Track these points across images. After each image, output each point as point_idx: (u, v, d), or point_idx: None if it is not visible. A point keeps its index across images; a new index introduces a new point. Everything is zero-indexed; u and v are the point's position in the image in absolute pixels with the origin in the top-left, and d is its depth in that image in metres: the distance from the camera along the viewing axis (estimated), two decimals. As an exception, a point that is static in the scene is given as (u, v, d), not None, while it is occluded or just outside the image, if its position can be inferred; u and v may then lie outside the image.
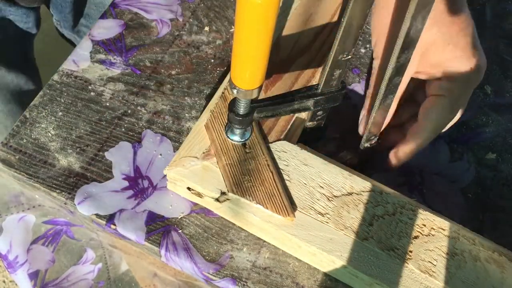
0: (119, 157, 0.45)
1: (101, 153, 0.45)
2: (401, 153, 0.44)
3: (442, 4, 0.40)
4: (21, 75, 0.67)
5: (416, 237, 0.39)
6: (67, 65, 0.49)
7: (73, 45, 0.77)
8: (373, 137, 0.44)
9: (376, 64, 0.42)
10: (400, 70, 0.38)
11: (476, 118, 0.51)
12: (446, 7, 0.40)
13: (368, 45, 0.53)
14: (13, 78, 0.66)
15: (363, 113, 0.45)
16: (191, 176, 0.40)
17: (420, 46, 0.40)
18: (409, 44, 0.36)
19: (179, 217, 0.42)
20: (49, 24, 0.75)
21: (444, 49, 0.40)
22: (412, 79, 0.42)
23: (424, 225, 0.40)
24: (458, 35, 0.40)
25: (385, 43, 0.41)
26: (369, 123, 0.43)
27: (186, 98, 0.48)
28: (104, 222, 0.42)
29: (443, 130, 0.44)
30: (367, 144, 0.45)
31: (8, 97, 0.67)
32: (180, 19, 0.53)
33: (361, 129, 0.45)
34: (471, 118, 0.51)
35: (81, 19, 0.71)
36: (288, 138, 0.43)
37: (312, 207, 0.39)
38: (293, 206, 0.39)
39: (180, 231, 0.42)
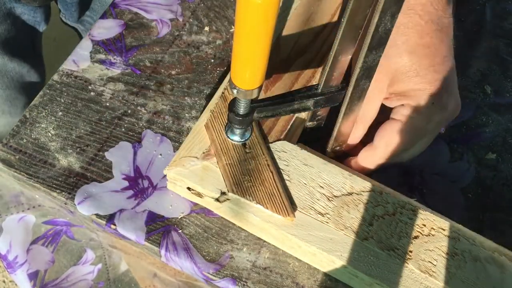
0: (119, 157, 0.45)
1: (101, 153, 0.45)
2: (353, 164, 0.44)
3: (417, 37, 0.39)
4: (24, 64, 0.68)
5: (416, 237, 0.39)
6: (67, 65, 0.49)
7: (77, 31, 0.78)
8: (338, 147, 0.45)
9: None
10: (368, 73, 0.37)
11: (476, 118, 0.51)
12: (422, 41, 0.39)
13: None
14: (15, 66, 0.67)
15: None
16: (191, 176, 0.40)
17: (389, 72, 0.39)
18: (378, 43, 0.35)
19: (179, 217, 0.42)
20: (56, 12, 0.75)
21: (410, 79, 0.40)
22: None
23: (424, 225, 0.40)
24: (427, 69, 0.40)
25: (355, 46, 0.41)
26: (335, 131, 0.43)
27: (186, 98, 0.48)
28: (104, 222, 0.42)
29: (399, 159, 0.44)
30: (330, 151, 0.45)
31: (7, 83, 0.67)
32: (180, 19, 0.53)
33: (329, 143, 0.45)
34: (471, 118, 0.51)
35: (86, 11, 0.72)
36: (288, 138, 0.43)
37: (312, 207, 0.39)
38: (293, 206, 0.39)
39: (180, 231, 0.42)
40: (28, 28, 0.67)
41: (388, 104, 0.43)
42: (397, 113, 0.41)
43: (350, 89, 0.39)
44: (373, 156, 0.43)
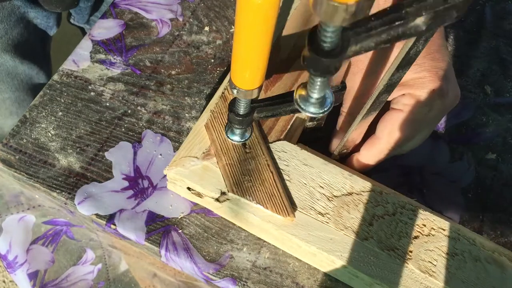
0: (119, 157, 0.45)
1: (101, 153, 0.45)
2: (355, 162, 0.44)
3: None
4: (33, 66, 0.69)
5: (416, 237, 0.39)
6: (67, 65, 0.49)
7: (83, 31, 0.79)
8: (344, 150, 0.45)
9: (357, 79, 0.42)
10: (390, 88, 0.37)
11: (476, 118, 0.51)
12: None
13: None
14: (25, 69, 0.68)
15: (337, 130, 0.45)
16: (191, 176, 0.40)
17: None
18: (407, 63, 0.35)
19: (179, 217, 0.42)
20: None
21: (410, 69, 0.40)
22: None
23: (424, 225, 0.40)
24: (424, 57, 0.40)
25: (372, 59, 0.41)
26: (346, 137, 0.42)
27: (186, 98, 0.48)
28: (104, 222, 0.42)
29: (401, 150, 0.43)
30: (337, 155, 0.45)
31: (17, 85, 0.68)
32: (180, 19, 0.53)
33: (334, 145, 0.45)
34: (471, 118, 0.51)
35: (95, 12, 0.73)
36: (288, 138, 0.43)
37: (312, 207, 0.39)
38: (293, 206, 0.39)
39: (180, 231, 0.42)
40: (39, 32, 0.68)
41: (389, 98, 0.43)
42: (398, 103, 0.41)
43: (370, 102, 0.38)
44: (376, 147, 0.42)
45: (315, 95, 0.29)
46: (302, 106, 0.31)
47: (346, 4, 0.21)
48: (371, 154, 0.43)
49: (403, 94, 0.41)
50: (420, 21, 0.28)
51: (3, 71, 0.65)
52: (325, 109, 0.31)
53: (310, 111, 0.31)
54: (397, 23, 0.27)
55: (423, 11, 0.27)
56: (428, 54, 0.40)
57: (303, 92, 0.31)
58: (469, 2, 0.29)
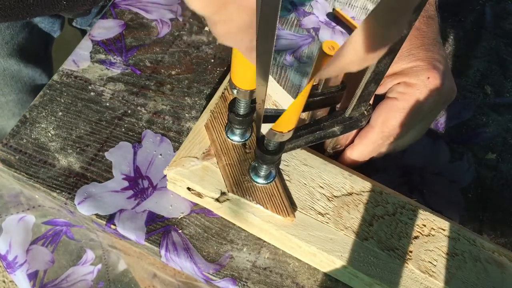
0: (119, 157, 0.45)
1: (101, 153, 0.45)
2: (348, 153, 0.44)
3: None
4: (37, 69, 0.70)
5: (416, 237, 0.39)
6: (67, 65, 0.49)
7: (83, 32, 0.79)
8: (338, 146, 0.45)
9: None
10: (378, 77, 0.37)
11: (476, 118, 0.51)
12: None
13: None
14: (29, 72, 0.68)
15: None
16: (191, 176, 0.40)
17: None
18: (393, 49, 0.35)
19: (179, 217, 0.42)
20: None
21: (404, 59, 0.41)
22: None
23: (424, 225, 0.40)
24: (419, 48, 0.41)
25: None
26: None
27: (186, 98, 0.48)
28: (104, 222, 0.42)
29: (396, 146, 0.43)
30: (331, 151, 0.45)
31: (20, 87, 0.69)
32: (180, 19, 0.53)
33: (327, 141, 0.45)
34: (471, 118, 0.51)
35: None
36: (288, 138, 0.43)
37: (312, 207, 0.39)
38: (293, 206, 0.39)
39: (180, 231, 0.42)
40: (43, 35, 0.68)
41: (382, 89, 0.43)
42: (393, 91, 0.41)
43: (359, 92, 0.38)
44: (369, 137, 0.42)
45: (263, 172, 0.39)
46: (253, 178, 0.39)
47: (282, 132, 0.32)
48: (364, 144, 0.43)
49: (398, 83, 0.41)
50: (335, 129, 0.40)
51: (8, 75, 0.65)
52: (270, 180, 0.39)
53: (259, 182, 0.39)
54: (318, 131, 0.39)
55: (335, 125, 0.40)
56: (422, 45, 0.41)
57: (255, 166, 0.39)
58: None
